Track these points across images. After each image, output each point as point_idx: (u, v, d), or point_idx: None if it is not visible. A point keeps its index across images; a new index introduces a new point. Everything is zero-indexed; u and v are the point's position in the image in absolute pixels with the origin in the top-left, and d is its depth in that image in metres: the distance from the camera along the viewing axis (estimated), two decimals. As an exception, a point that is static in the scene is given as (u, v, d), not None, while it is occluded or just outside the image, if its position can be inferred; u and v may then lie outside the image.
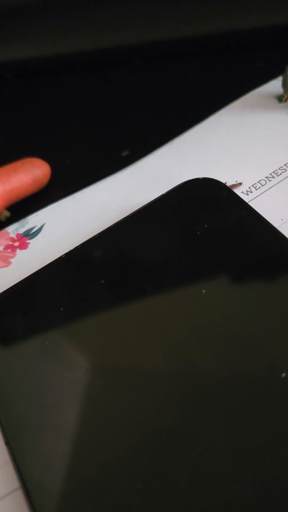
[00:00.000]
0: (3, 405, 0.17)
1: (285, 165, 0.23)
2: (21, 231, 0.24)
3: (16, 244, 0.24)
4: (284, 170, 0.23)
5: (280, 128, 0.25)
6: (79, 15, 0.33)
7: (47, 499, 0.15)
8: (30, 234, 0.24)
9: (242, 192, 0.22)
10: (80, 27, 0.34)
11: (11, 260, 0.23)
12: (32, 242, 0.24)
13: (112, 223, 0.21)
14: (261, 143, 0.24)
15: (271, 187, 0.22)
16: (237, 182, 0.23)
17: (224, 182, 0.22)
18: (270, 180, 0.22)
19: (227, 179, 0.23)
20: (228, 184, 0.22)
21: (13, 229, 0.25)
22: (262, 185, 0.22)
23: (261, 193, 0.22)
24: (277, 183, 0.22)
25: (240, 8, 0.32)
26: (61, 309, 0.19)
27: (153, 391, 0.16)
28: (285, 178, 0.22)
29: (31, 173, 0.26)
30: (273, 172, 0.23)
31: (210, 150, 0.25)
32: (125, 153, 0.28)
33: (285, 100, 0.26)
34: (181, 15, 0.33)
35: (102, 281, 0.19)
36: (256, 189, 0.22)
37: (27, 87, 0.35)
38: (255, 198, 0.22)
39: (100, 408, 0.16)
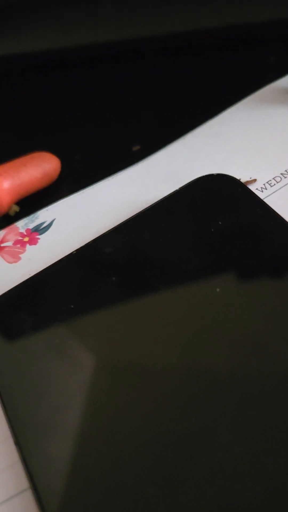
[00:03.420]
0: (13, 404, 0.16)
1: (301, 161, 0.23)
2: (31, 226, 0.24)
3: (26, 239, 0.23)
4: (300, 167, 0.22)
5: (295, 124, 0.24)
6: (91, 8, 0.33)
7: (56, 499, 0.14)
8: (40, 230, 0.24)
9: (257, 188, 0.22)
10: (90, 20, 0.33)
11: (20, 255, 0.23)
12: (42, 237, 0.23)
13: (124, 220, 0.21)
14: (276, 139, 0.24)
15: (286, 184, 0.22)
16: (251, 179, 0.22)
17: (238, 178, 0.22)
18: (285, 177, 0.22)
19: (241, 176, 0.23)
20: (242, 181, 0.22)
21: (23, 224, 0.24)
22: (277, 182, 0.22)
23: (276, 190, 0.22)
24: (293, 180, 0.22)
25: (253, 2, 0.31)
26: (72, 306, 0.19)
27: (165, 390, 0.16)
28: (301, 175, 0.22)
29: (41, 167, 0.26)
30: (289, 168, 0.22)
31: (224, 145, 0.24)
32: (136, 148, 0.28)
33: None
34: (194, 8, 0.32)
35: (114, 278, 0.19)
36: (271, 186, 0.22)
37: (37, 81, 0.35)
38: (270, 195, 0.22)
39: (111, 408, 0.16)
